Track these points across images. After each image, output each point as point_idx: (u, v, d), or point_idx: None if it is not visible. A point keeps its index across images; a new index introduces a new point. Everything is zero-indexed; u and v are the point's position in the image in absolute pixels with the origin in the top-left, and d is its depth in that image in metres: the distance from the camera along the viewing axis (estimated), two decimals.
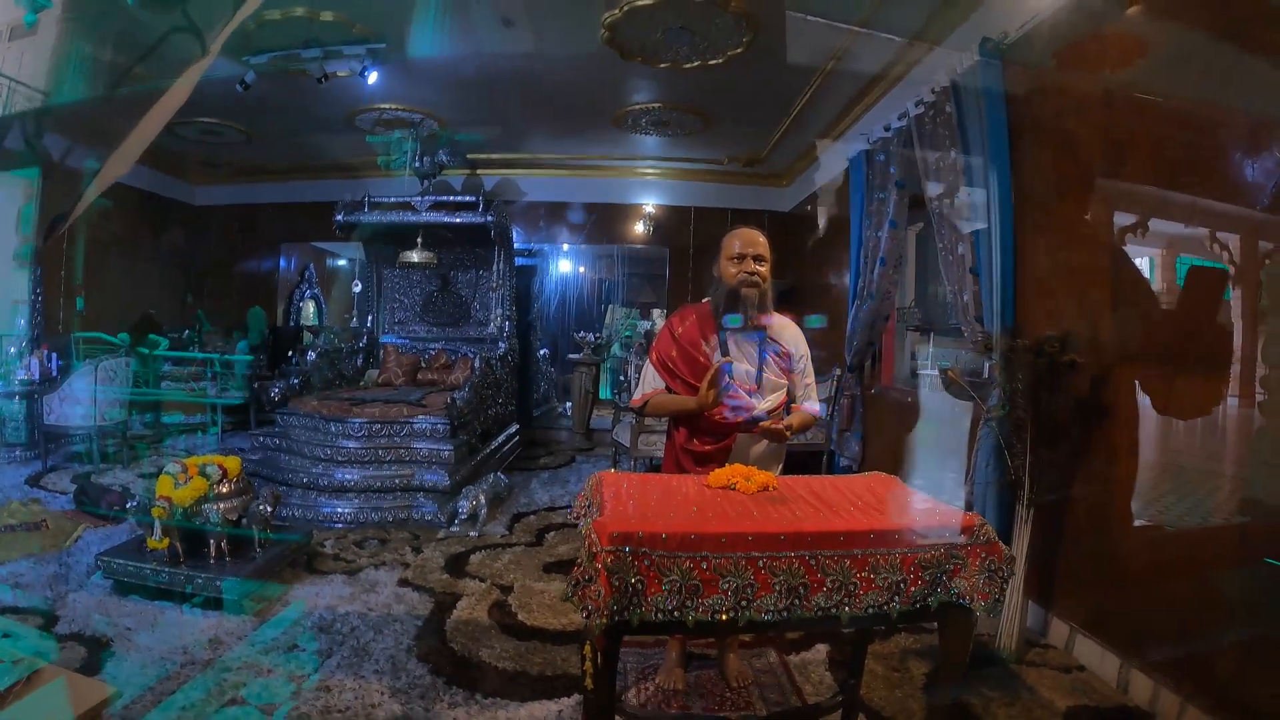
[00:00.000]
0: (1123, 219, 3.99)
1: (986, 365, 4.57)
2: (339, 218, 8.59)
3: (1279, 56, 2.96)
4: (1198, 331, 3.65)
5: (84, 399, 7.04)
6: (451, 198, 9.04)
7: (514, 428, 9.41)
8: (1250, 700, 3.08)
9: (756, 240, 3.35)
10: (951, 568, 2.25)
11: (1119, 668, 3.77)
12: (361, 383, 8.74)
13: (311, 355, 7.96)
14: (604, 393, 12.78)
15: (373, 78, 7.39)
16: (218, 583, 4.16)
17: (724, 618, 2.07)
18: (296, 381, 7.44)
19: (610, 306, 15.62)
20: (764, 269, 3.32)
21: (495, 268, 9.25)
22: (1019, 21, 4.72)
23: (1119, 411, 3.94)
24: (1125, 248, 3.96)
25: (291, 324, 13.52)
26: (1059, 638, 4.24)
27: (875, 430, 7.22)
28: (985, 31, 4.92)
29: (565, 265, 14.73)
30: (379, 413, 6.74)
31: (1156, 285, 3.95)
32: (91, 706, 1.98)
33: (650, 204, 11.31)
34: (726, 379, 3.17)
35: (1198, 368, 3.60)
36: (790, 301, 9.74)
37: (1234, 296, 3.34)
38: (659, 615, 2.04)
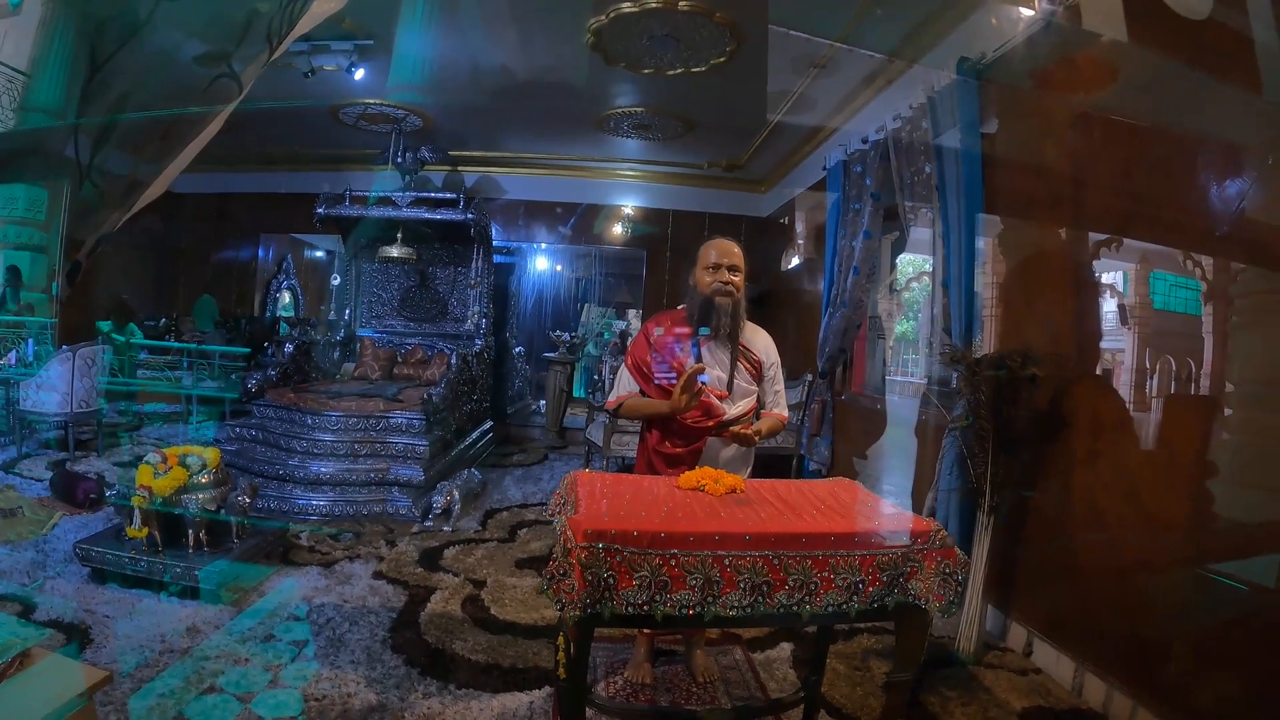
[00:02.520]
0: (1088, 238, 4.13)
1: (954, 376, 4.70)
2: (320, 210, 8.63)
3: (1244, 86, 3.09)
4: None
5: (60, 386, 7.04)
6: (432, 194, 9.10)
7: (488, 424, 9.48)
8: (1197, 703, 3.22)
9: (732, 251, 3.43)
10: (908, 570, 2.37)
11: (1074, 671, 3.90)
12: (337, 376, 8.78)
13: (289, 347, 7.99)
14: (578, 391, 12.86)
15: (359, 74, 7.45)
16: (195, 572, 4.21)
17: (691, 612, 2.18)
18: (273, 373, 7.48)
19: (586, 306, 15.69)
20: (738, 278, 3.41)
21: (474, 265, 9.32)
22: (997, 43, 4.83)
23: (1076, 423, 4.09)
24: (1094, 263, 4.10)
25: (268, 315, 13.50)
26: (1017, 641, 4.37)
27: (844, 436, 7.35)
28: (964, 51, 5.04)
29: (543, 264, 14.80)
30: (355, 406, 6.80)
31: (1130, 299, 4.08)
32: (91, 685, 2.05)
33: (629, 206, 11.41)
34: (699, 384, 3.26)
35: (1158, 385, 3.76)
36: (764, 306, 9.86)
37: (1205, 313, 3.46)
38: (629, 608, 2.14)
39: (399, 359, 9.08)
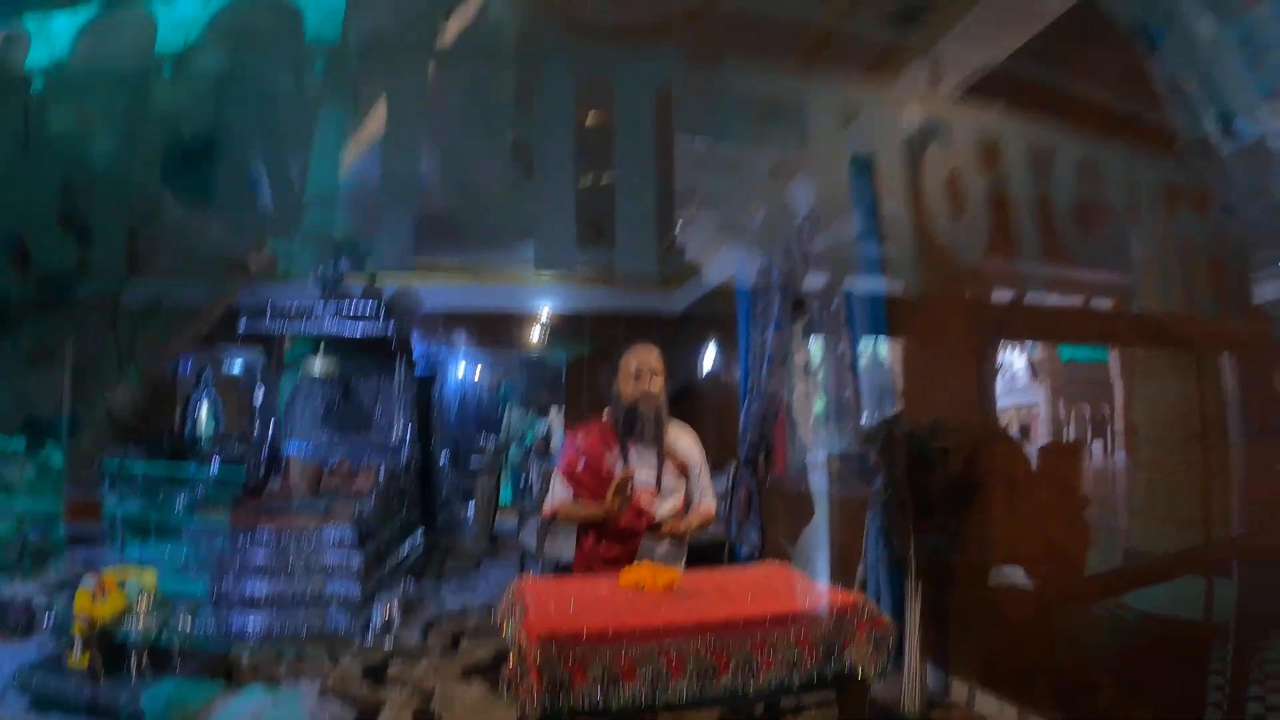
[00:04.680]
0: (989, 305, 4.45)
1: (870, 453, 4.94)
2: (241, 323, 8.62)
3: (1126, 154, 3.43)
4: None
5: None
6: (352, 306, 9.15)
7: (420, 534, 9.43)
8: None
9: (650, 359, 3.62)
10: (842, 641, 2.55)
11: (1016, 716, 4.09)
12: (265, 491, 8.69)
13: (214, 464, 7.92)
14: (506, 496, 12.83)
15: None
16: (140, 697, 4.17)
17: (644, 702, 2.31)
18: (200, 491, 7.40)
19: (509, 408, 15.74)
20: (659, 382, 3.60)
21: (396, 375, 9.36)
22: (890, 137, 5.18)
23: (992, 481, 4.36)
24: (997, 327, 4.41)
25: (188, 430, 13.23)
26: (960, 695, 4.56)
27: (772, 519, 7.52)
28: (857, 147, 5.40)
29: (465, 370, 14.86)
30: (286, 523, 6.75)
31: (1038, 354, 4.37)
32: None
33: (547, 310, 11.64)
34: (629, 487, 3.43)
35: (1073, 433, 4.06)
36: (685, 400, 10.08)
37: (1111, 358, 3.76)
38: (586, 703, 2.27)
39: (326, 473, 9.01)
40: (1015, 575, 4.22)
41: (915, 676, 4.35)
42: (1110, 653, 3.61)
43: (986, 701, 4.35)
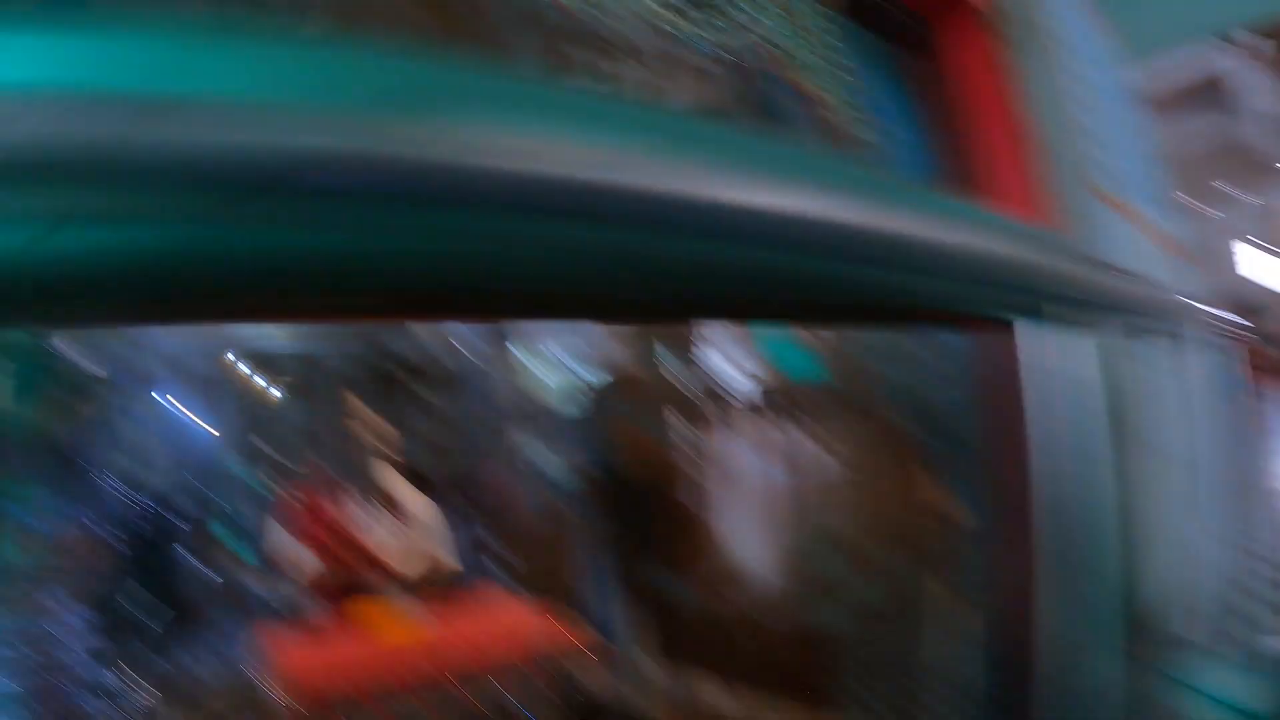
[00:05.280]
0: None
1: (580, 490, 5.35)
2: None
3: None
4: None
5: None
6: None
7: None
8: None
9: (366, 415, 4.04)
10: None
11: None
12: None
13: None
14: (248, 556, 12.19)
15: None
16: None
17: None
18: None
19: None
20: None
21: None
22: None
23: (680, 511, 4.80)
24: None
25: None
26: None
27: (505, 552, 7.60)
28: None
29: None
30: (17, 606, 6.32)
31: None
32: None
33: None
34: (362, 543, 3.75)
35: None
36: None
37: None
38: None
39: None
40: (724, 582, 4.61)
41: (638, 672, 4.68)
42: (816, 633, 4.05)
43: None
